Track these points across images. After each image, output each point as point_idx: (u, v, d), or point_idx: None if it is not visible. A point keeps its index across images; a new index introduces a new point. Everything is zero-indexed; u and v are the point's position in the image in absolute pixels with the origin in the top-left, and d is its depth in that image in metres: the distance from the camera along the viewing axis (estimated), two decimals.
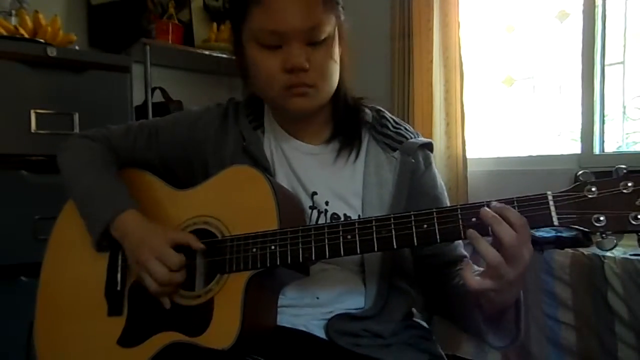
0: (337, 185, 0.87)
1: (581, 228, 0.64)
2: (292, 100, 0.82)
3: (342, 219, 0.85)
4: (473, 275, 0.67)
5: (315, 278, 0.83)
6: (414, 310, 0.93)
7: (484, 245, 0.65)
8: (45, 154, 1.67)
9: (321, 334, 0.81)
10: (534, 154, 2.23)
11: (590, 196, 0.63)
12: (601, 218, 0.63)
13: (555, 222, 0.64)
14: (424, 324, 0.92)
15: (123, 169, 0.96)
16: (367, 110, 0.93)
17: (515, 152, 2.30)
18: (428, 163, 0.92)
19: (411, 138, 0.91)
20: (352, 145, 0.90)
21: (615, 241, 0.63)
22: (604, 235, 0.63)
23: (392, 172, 0.87)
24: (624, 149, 2.03)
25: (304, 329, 0.82)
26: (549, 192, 0.65)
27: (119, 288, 0.86)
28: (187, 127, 0.95)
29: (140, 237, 0.81)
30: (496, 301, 0.69)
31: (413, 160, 0.88)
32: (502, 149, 2.36)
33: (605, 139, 2.02)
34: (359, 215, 0.84)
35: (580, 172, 0.65)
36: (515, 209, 0.65)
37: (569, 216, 0.64)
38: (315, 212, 0.86)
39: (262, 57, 0.80)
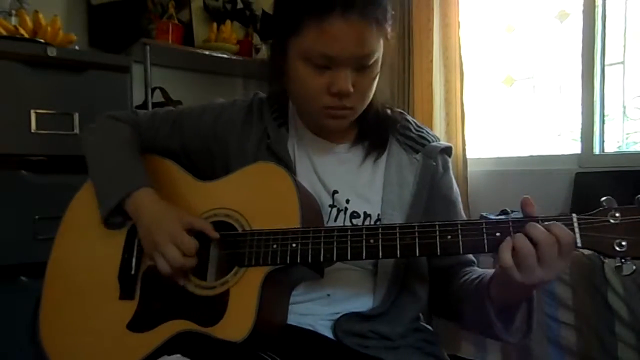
0: (358, 183, 0.89)
1: (601, 251, 0.66)
2: (328, 120, 0.84)
3: (362, 216, 0.86)
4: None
5: (328, 277, 0.82)
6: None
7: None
8: (45, 154, 1.67)
9: (328, 333, 0.82)
10: (534, 154, 2.23)
11: (613, 221, 0.65)
12: (623, 243, 0.64)
13: (579, 244, 0.66)
14: (429, 327, 0.92)
15: (146, 154, 0.96)
16: (392, 115, 0.95)
17: (515, 152, 2.30)
18: (446, 167, 0.94)
19: (433, 141, 0.93)
20: (378, 149, 0.91)
21: (634, 267, 0.64)
22: (623, 260, 0.65)
23: (413, 173, 0.89)
24: (624, 149, 2.03)
25: (310, 328, 0.82)
26: (574, 215, 0.67)
27: (133, 272, 0.86)
28: (211, 119, 0.95)
29: (157, 217, 0.81)
30: (508, 294, 0.72)
31: (434, 163, 0.90)
32: (502, 149, 2.36)
33: (605, 139, 2.02)
34: (378, 214, 0.85)
35: (605, 199, 0.67)
36: None
37: (591, 239, 0.66)
38: (334, 211, 0.87)
39: (308, 74, 0.80)
